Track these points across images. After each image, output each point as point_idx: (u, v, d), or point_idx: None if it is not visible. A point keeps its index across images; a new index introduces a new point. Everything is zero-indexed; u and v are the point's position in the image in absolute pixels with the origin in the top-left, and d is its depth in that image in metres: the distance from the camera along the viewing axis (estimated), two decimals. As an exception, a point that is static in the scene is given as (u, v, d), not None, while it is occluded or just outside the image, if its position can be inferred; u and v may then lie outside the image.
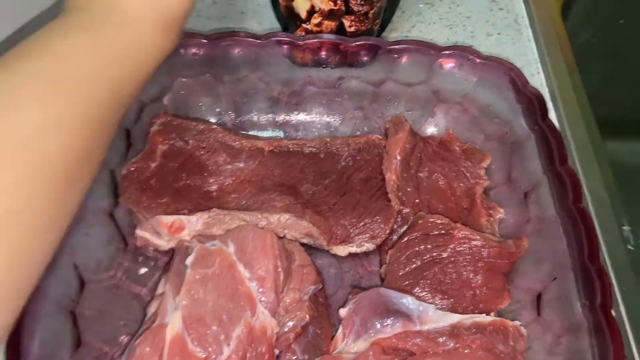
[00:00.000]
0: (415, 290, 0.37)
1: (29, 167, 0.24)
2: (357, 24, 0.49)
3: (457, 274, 0.38)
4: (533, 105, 0.43)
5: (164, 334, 0.33)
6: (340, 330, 0.38)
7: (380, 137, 0.48)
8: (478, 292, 0.37)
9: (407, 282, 0.38)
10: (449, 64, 0.47)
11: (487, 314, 0.37)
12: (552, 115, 0.54)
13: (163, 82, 0.47)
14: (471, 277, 0.38)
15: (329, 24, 0.48)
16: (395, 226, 0.43)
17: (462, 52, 0.46)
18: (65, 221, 0.27)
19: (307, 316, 0.37)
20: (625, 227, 0.47)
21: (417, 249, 0.39)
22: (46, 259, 0.26)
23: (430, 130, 0.50)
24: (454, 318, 0.35)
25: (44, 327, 0.32)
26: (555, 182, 0.40)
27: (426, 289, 0.37)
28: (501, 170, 0.46)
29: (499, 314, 0.39)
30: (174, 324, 0.33)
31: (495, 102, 0.47)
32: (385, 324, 0.35)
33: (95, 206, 0.40)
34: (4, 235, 0.23)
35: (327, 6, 0.46)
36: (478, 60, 0.46)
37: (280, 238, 0.40)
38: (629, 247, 0.46)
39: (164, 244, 0.40)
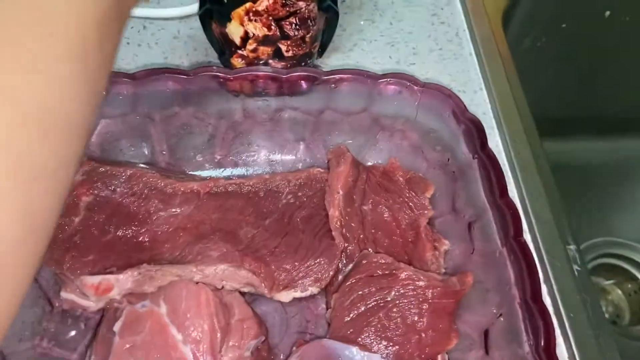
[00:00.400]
0: (360, 339, 0.36)
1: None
2: (295, 49, 0.47)
3: (402, 318, 0.36)
4: (472, 132, 0.42)
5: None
6: (284, 385, 0.36)
7: (322, 170, 0.47)
8: (424, 335, 0.36)
9: (351, 330, 0.36)
10: (388, 92, 0.45)
11: (435, 358, 0.36)
12: (495, 134, 0.54)
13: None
14: (416, 319, 0.36)
15: (265, 50, 0.47)
16: (340, 265, 0.41)
17: (400, 79, 0.45)
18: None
19: (249, 375, 0.35)
20: (571, 247, 0.47)
21: (361, 292, 0.38)
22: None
23: (374, 158, 0.48)
24: (402, 367, 0.34)
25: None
26: (497, 214, 0.39)
27: (371, 337, 0.36)
28: (445, 198, 0.45)
29: (448, 353, 0.38)
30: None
31: (436, 128, 0.46)
32: (329, 380, 0.34)
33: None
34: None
35: (261, 32, 0.45)
36: (416, 87, 0.44)
37: (218, 289, 0.38)
38: (576, 268, 0.46)
39: (93, 305, 0.38)
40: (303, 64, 0.49)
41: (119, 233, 0.40)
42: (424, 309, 0.36)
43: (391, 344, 0.36)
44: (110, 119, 0.44)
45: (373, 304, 0.37)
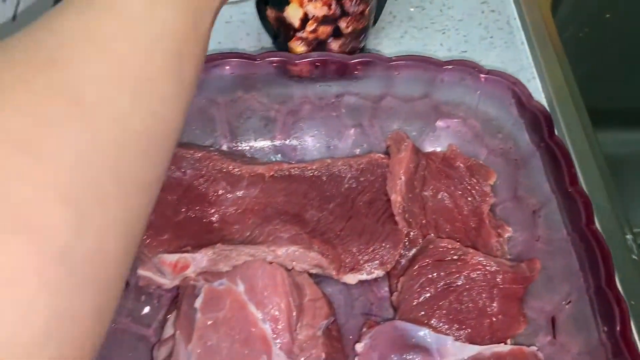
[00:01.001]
0: (431, 322, 0.37)
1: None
2: (355, 23, 0.47)
3: (472, 302, 0.37)
4: (538, 121, 0.42)
5: (179, 387, 0.32)
6: (356, 365, 0.37)
7: (383, 155, 0.47)
8: (495, 319, 0.37)
9: (422, 313, 0.37)
10: (450, 79, 0.46)
11: (504, 342, 0.37)
12: (551, 123, 0.54)
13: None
14: (487, 304, 0.37)
15: (325, 29, 0.47)
16: (403, 250, 0.42)
17: (463, 66, 0.45)
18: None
19: (323, 354, 0.36)
20: (628, 236, 0.47)
21: (430, 276, 0.38)
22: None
23: (432, 145, 0.49)
24: (474, 350, 0.35)
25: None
26: (565, 202, 0.39)
27: (442, 320, 0.37)
28: (506, 186, 0.45)
29: (515, 339, 0.39)
30: (188, 376, 0.32)
31: (498, 116, 0.46)
32: (405, 359, 0.35)
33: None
34: None
35: (321, 12, 0.46)
36: (480, 75, 0.45)
37: (288, 271, 0.39)
38: (634, 257, 0.46)
39: (168, 282, 0.39)
40: (361, 38, 0.50)
41: (190, 214, 0.41)
42: (494, 294, 0.37)
43: (463, 326, 0.36)
44: (177, 101, 0.45)
45: (443, 287, 0.38)
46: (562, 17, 0.72)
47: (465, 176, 0.45)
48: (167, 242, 0.39)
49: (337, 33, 0.47)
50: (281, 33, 0.49)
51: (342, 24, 0.47)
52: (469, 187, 0.45)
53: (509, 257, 0.42)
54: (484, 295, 0.37)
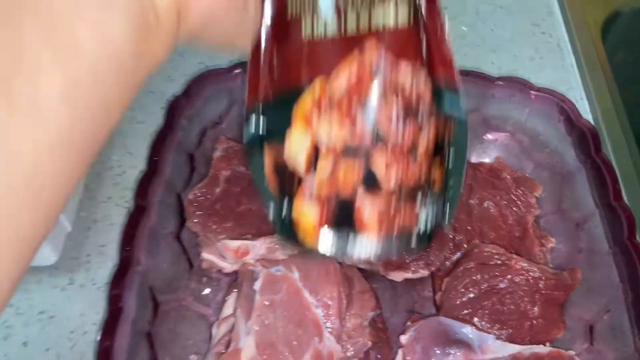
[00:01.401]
0: (474, 320, 0.39)
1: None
2: (400, 167, 0.28)
3: (514, 304, 0.39)
4: (586, 138, 0.44)
5: (239, 358, 0.35)
6: (399, 356, 0.39)
7: (432, 163, 0.49)
8: (535, 322, 0.39)
9: (465, 312, 0.39)
10: (500, 94, 0.48)
11: (543, 344, 0.38)
12: (597, 143, 0.55)
13: (222, 106, 0.48)
14: (528, 308, 0.39)
15: (349, 171, 0.28)
16: (447, 253, 0.44)
17: (514, 83, 0.47)
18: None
19: (369, 342, 0.38)
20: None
21: (474, 278, 0.40)
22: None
23: (479, 157, 0.51)
24: (514, 348, 0.37)
25: (127, 350, 0.34)
26: (608, 216, 0.41)
27: (485, 319, 0.39)
28: (551, 199, 0.47)
29: (553, 344, 0.40)
30: (248, 349, 0.35)
31: (545, 131, 0.48)
32: (447, 353, 0.37)
33: (163, 229, 0.41)
34: None
35: (340, 133, 0.28)
36: (530, 92, 0.47)
37: (339, 264, 0.42)
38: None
39: (228, 266, 0.42)
40: (421, 204, 0.29)
41: (252, 205, 0.44)
42: (536, 298, 0.39)
43: (504, 327, 0.38)
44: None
45: (486, 289, 0.40)
46: (612, 41, 0.73)
47: (512, 187, 0.47)
48: (230, 229, 0.42)
49: (372, 185, 0.28)
50: (286, 189, 0.29)
51: (379, 161, 0.28)
52: (514, 197, 0.47)
53: (551, 266, 0.44)
54: (526, 299, 0.39)
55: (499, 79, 0.48)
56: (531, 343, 0.38)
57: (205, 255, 0.42)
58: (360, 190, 0.28)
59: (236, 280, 0.42)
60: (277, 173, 0.29)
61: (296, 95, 0.28)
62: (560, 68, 0.62)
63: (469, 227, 0.46)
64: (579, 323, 0.41)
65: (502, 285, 0.40)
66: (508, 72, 0.61)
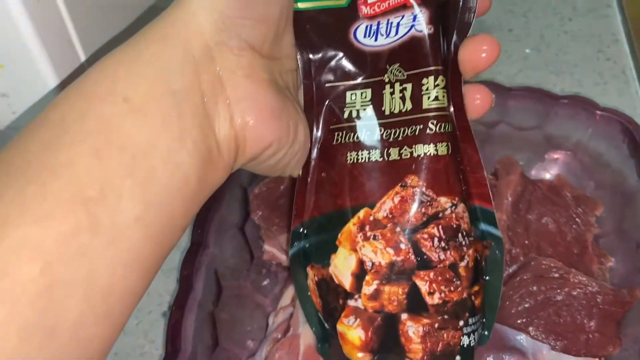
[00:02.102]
0: (529, 329, 0.39)
1: None
2: (443, 287, 0.29)
3: (571, 317, 0.39)
4: (651, 159, 0.44)
5: (298, 343, 0.36)
6: None
7: (491, 176, 0.50)
8: (591, 336, 0.38)
9: (520, 321, 0.39)
10: (564, 113, 0.48)
11: (598, 359, 0.38)
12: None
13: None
14: (585, 321, 0.39)
15: (393, 292, 0.30)
16: (504, 264, 0.45)
17: (578, 102, 0.48)
18: None
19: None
20: None
21: (530, 289, 0.41)
22: None
23: (539, 174, 0.51)
24: (569, 359, 0.37)
25: (194, 327, 0.36)
26: (672, 237, 0.41)
27: (540, 329, 0.39)
28: (612, 219, 0.47)
29: (606, 359, 0.40)
30: (306, 335, 0.37)
31: (608, 152, 0.48)
32: (501, 359, 0.37)
33: (229, 220, 0.44)
34: None
35: (384, 257, 0.29)
36: (595, 111, 0.47)
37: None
38: None
39: (287, 259, 0.44)
40: (465, 323, 0.30)
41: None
42: (593, 313, 0.39)
43: (560, 338, 0.38)
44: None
45: (542, 300, 0.40)
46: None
47: (571, 205, 0.47)
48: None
49: (416, 305, 0.30)
50: (329, 306, 0.32)
51: (423, 285, 0.29)
52: (574, 215, 0.47)
53: (610, 284, 0.43)
54: (582, 313, 0.39)
55: (563, 97, 0.48)
56: (586, 356, 0.38)
57: (267, 247, 0.44)
58: (405, 307, 0.30)
59: (294, 274, 0.44)
60: (321, 288, 0.32)
61: (341, 220, 0.31)
62: (624, 94, 0.62)
63: (526, 242, 0.46)
64: (635, 343, 0.40)
65: (559, 298, 0.40)
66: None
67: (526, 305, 0.40)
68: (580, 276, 0.40)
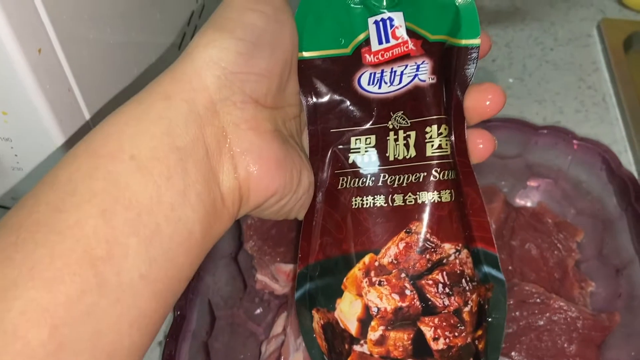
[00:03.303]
0: (511, 354, 0.40)
1: None
2: (448, 333, 0.30)
3: (552, 341, 0.40)
4: (626, 187, 0.46)
5: (289, 371, 0.38)
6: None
7: (475, 204, 0.52)
8: (572, 360, 0.40)
9: (503, 345, 0.41)
10: (543, 142, 0.50)
11: (579, 383, 0.39)
12: (641, 194, 0.56)
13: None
14: (566, 345, 0.40)
15: (399, 338, 0.30)
16: (488, 290, 0.46)
17: (557, 132, 0.50)
18: None
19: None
20: None
21: (512, 314, 0.42)
22: None
23: (522, 201, 0.53)
24: (550, 384, 0.38)
25: (188, 357, 0.37)
26: (648, 262, 0.42)
27: (522, 353, 0.40)
28: (592, 245, 0.49)
29: (589, 384, 0.41)
30: (297, 363, 0.38)
31: (588, 180, 0.50)
32: (484, 383, 0.38)
33: (223, 249, 0.45)
34: None
35: (389, 303, 0.30)
36: (574, 141, 0.49)
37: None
38: None
39: (280, 288, 0.45)
40: None
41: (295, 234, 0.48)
42: (573, 337, 0.40)
43: (541, 362, 0.40)
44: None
45: (524, 325, 0.41)
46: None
47: (553, 231, 0.49)
48: (283, 254, 0.46)
49: (422, 351, 0.30)
50: (333, 354, 0.32)
51: (428, 331, 0.30)
52: (555, 241, 0.48)
53: (590, 309, 0.45)
54: (563, 337, 0.40)
55: (543, 127, 0.50)
56: (567, 380, 0.39)
57: (260, 276, 0.45)
58: (410, 353, 0.30)
59: (286, 302, 0.46)
60: (326, 331, 0.32)
61: (346, 265, 0.31)
62: (605, 121, 0.64)
63: (510, 267, 0.48)
64: (617, 367, 0.42)
65: (540, 323, 0.41)
66: (553, 123, 0.64)
67: (509, 331, 0.42)
68: (560, 301, 0.42)
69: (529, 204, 0.52)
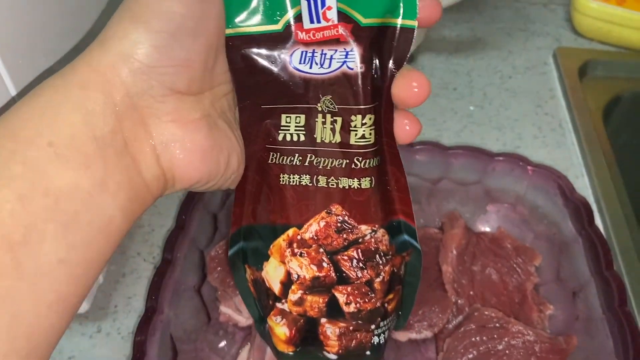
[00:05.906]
0: (472, 379, 0.41)
1: None
2: (359, 300, 0.33)
3: (511, 366, 0.41)
4: (580, 211, 0.48)
5: (250, 405, 0.37)
6: (401, 412, 0.41)
7: (437, 230, 0.53)
8: (531, 384, 0.40)
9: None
10: (500, 169, 0.52)
11: (539, 407, 0.40)
12: (596, 215, 0.58)
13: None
14: (524, 370, 0.41)
15: (315, 301, 0.33)
16: (450, 316, 0.47)
17: (513, 159, 0.51)
18: None
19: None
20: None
21: (473, 339, 0.43)
22: None
23: (482, 226, 0.54)
24: (510, 408, 0.39)
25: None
26: (601, 285, 0.43)
27: (483, 379, 0.41)
28: (550, 268, 0.50)
29: (550, 407, 0.42)
30: (258, 396, 0.38)
31: (544, 205, 0.51)
32: (445, 410, 0.39)
33: (186, 282, 0.45)
34: None
35: (308, 272, 0.33)
36: (528, 167, 0.51)
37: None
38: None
39: (243, 320, 0.45)
40: (377, 327, 0.34)
41: (267, 264, 0.48)
42: (531, 361, 0.41)
43: (501, 387, 0.40)
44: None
45: (485, 350, 0.42)
46: (614, 124, 0.78)
47: (512, 256, 0.50)
48: (247, 285, 0.46)
49: (334, 312, 0.33)
50: (262, 303, 0.35)
51: (341, 297, 0.33)
52: (515, 265, 0.49)
53: (548, 331, 0.46)
54: (522, 361, 0.41)
55: (499, 154, 0.52)
56: (527, 405, 0.40)
57: (223, 308, 0.45)
58: (324, 313, 0.34)
59: (250, 334, 0.45)
60: (255, 286, 0.34)
61: (272, 234, 0.33)
62: (562, 146, 0.66)
63: (471, 292, 0.48)
64: (576, 389, 0.42)
65: (499, 347, 0.42)
66: (512, 149, 0.66)
67: (469, 356, 0.42)
68: (519, 325, 0.43)
69: (488, 229, 0.54)
